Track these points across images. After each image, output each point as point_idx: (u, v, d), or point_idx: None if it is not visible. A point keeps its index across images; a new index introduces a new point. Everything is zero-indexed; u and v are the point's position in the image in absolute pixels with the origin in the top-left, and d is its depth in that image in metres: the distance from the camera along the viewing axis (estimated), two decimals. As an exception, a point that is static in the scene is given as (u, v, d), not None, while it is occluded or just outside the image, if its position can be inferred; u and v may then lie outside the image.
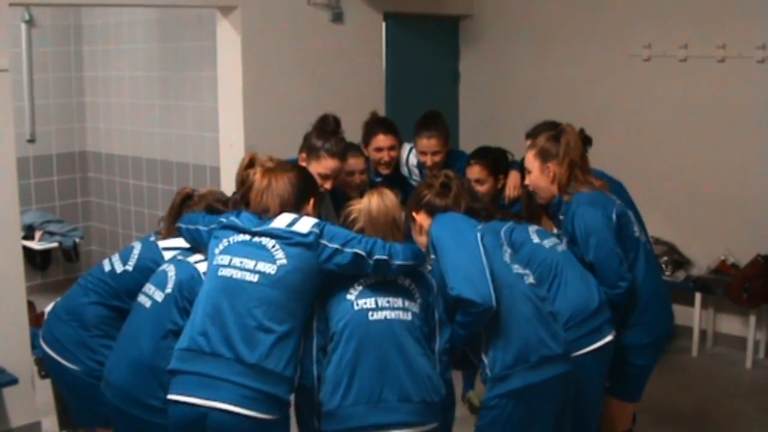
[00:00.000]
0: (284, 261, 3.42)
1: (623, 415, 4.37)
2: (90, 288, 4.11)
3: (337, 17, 7.17)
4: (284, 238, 3.47)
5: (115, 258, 4.17)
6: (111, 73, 8.66)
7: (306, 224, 3.51)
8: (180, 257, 3.85)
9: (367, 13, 7.45)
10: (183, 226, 3.89)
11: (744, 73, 6.80)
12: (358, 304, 3.46)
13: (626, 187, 4.70)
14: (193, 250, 3.89)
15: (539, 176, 4.25)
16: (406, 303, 3.51)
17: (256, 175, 3.73)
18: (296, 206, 3.66)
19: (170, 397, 3.40)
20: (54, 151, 8.78)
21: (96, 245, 9.04)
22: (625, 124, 7.31)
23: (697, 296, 6.96)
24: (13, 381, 5.24)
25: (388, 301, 3.48)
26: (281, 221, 3.55)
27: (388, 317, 3.46)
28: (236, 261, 3.47)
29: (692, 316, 7.02)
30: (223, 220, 3.64)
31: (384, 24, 7.68)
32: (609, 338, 3.95)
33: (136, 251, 4.11)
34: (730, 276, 6.81)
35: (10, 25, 5.63)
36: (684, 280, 7.03)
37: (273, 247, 3.46)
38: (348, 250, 3.43)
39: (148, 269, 3.98)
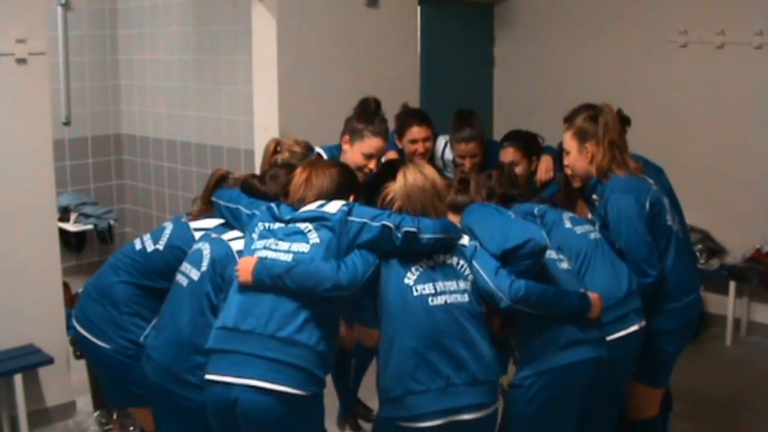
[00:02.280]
0: (317, 240, 3.46)
1: (650, 402, 4.33)
2: (120, 267, 4.14)
3: (372, 1, 7.16)
4: (315, 219, 3.50)
5: (146, 237, 4.19)
6: (146, 56, 8.69)
7: (335, 205, 3.55)
8: (214, 234, 3.86)
9: (402, -3, 7.46)
10: (222, 203, 3.92)
11: (782, 60, 6.74)
12: (417, 290, 3.46)
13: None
14: (227, 226, 3.91)
15: (577, 157, 4.23)
16: (461, 284, 3.52)
17: (297, 169, 3.77)
18: (334, 200, 3.66)
19: (206, 377, 3.45)
20: (89, 133, 8.83)
21: (130, 227, 9.10)
22: (660, 110, 7.26)
23: (732, 284, 6.92)
24: (49, 361, 5.29)
25: (445, 285, 3.48)
26: (312, 206, 3.59)
27: (448, 301, 3.47)
28: (271, 243, 3.50)
29: (726, 304, 6.97)
30: (264, 208, 3.68)
31: (419, 8, 7.67)
32: (635, 328, 3.94)
33: (168, 231, 4.14)
34: (765, 265, 6.76)
35: (46, 9, 5.67)
36: (718, 269, 6.99)
37: (306, 228, 3.50)
38: (375, 223, 3.45)
39: (178, 249, 4.01)
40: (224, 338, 3.43)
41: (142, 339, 3.96)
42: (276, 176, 4.01)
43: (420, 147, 5.35)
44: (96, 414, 5.38)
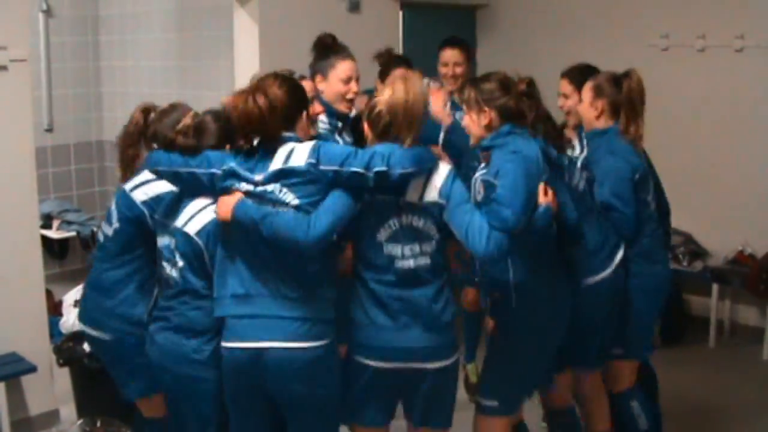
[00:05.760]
0: (296, 201, 3.44)
1: (625, 372, 4.57)
2: (100, 259, 4.15)
3: (354, 6, 7.18)
4: (286, 176, 3.46)
5: (104, 224, 4.17)
6: (128, 63, 8.67)
7: (301, 155, 3.46)
8: (178, 224, 3.71)
9: (384, 2, 7.46)
10: (166, 170, 3.75)
11: (763, 63, 6.76)
12: (386, 249, 3.54)
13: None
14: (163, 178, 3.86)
15: (588, 109, 4.50)
16: (425, 246, 3.56)
17: (242, 95, 3.58)
18: (290, 121, 3.59)
19: (227, 344, 3.52)
20: (72, 140, 8.80)
21: (113, 234, 9.05)
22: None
23: (714, 287, 6.95)
24: (32, 369, 5.27)
25: (411, 249, 3.54)
26: (277, 161, 3.49)
27: (412, 266, 3.54)
28: None
29: (709, 306, 7.00)
30: (225, 169, 3.56)
31: (401, 13, 7.69)
32: (618, 259, 4.24)
33: (113, 207, 4.10)
34: (747, 267, 6.80)
35: (28, 16, 5.64)
36: (701, 271, 7.02)
37: (280, 191, 3.46)
38: (345, 169, 3.42)
39: (129, 218, 3.99)
40: (235, 304, 3.50)
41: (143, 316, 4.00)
42: (203, 127, 3.84)
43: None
44: (80, 422, 5.35)
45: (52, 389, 5.55)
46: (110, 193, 8.98)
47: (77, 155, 8.85)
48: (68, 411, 5.51)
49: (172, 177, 3.76)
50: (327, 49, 4.65)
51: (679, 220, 6.84)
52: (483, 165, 3.86)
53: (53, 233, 8.17)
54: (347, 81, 4.49)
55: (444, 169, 3.57)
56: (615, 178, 4.28)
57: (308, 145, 3.50)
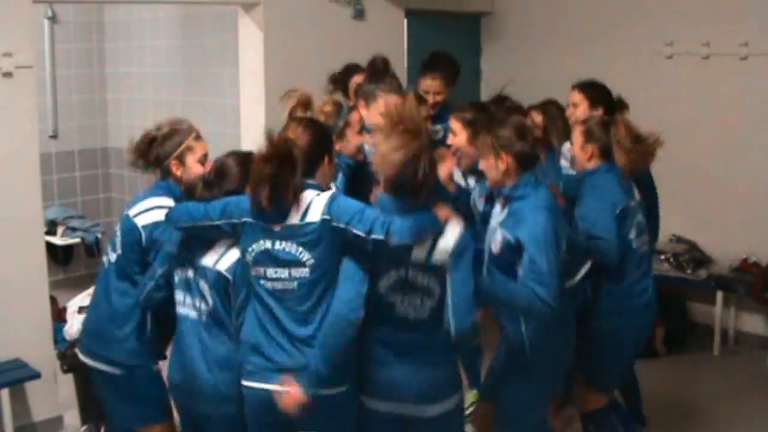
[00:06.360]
0: (312, 261, 3.47)
1: (592, 399, 4.64)
2: (104, 287, 4.13)
3: (359, 14, 7.18)
4: (303, 236, 3.47)
5: (109, 250, 4.18)
6: (133, 69, 8.69)
7: (317, 210, 3.47)
8: (204, 262, 3.71)
9: (389, 9, 7.46)
10: (185, 225, 3.73)
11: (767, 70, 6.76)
12: (385, 298, 3.54)
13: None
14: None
15: (579, 152, 4.57)
16: (426, 301, 3.55)
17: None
18: (312, 168, 3.58)
19: (244, 383, 3.58)
20: (76, 147, 8.82)
21: (117, 241, 9.06)
22: (646, 121, 7.20)
23: (719, 295, 6.92)
24: (36, 375, 5.27)
25: (411, 300, 3.55)
26: (295, 214, 3.49)
27: (410, 317, 3.56)
28: (270, 272, 3.52)
29: (714, 314, 6.98)
30: (246, 221, 3.56)
31: (405, 21, 7.68)
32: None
33: (118, 232, 4.12)
34: (752, 275, 6.78)
35: (33, 22, 5.66)
36: (706, 279, 6.99)
37: (297, 250, 3.48)
38: (350, 230, 3.42)
39: (131, 245, 4.02)
40: (251, 353, 3.56)
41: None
42: (225, 171, 3.83)
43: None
44: (83, 429, 5.36)
45: (55, 395, 5.56)
46: (115, 200, 9.02)
47: (82, 162, 8.87)
48: (72, 417, 5.51)
49: (195, 231, 3.74)
50: (378, 74, 4.61)
51: (683, 228, 6.87)
52: (500, 210, 3.93)
53: (57, 239, 8.18)
54: None
55: (456, 229, 3.51)
56: (595, 209, 4.38)
57: (324, 199, 3.50)
